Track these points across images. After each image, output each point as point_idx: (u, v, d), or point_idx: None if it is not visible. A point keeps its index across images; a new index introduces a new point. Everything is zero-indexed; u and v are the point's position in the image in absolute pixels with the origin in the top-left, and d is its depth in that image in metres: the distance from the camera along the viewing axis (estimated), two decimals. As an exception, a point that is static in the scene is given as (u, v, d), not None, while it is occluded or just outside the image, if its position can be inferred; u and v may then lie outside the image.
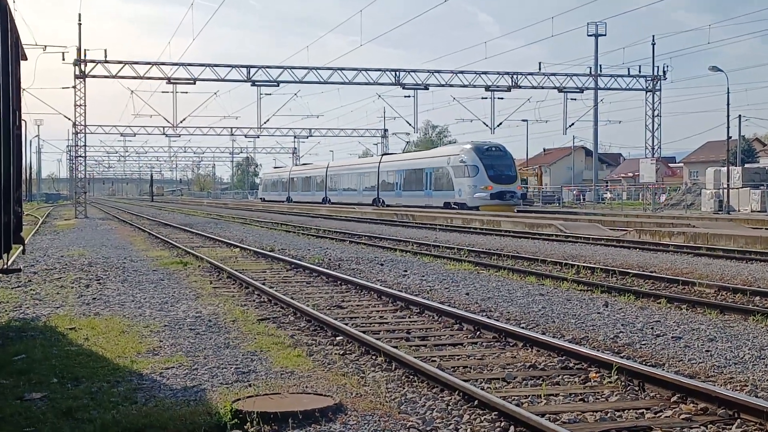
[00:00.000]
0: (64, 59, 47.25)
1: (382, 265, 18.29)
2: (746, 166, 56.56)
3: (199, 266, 18.22)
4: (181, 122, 57.60)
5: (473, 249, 21.77)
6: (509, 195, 46.91)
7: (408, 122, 63.54)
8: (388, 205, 58.07)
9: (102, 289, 14.39)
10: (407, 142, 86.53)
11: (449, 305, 11.88)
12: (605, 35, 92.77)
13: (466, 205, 47.38)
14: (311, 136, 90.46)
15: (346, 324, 10.29)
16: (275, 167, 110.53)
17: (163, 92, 53.89)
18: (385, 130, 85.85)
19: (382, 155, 67.66)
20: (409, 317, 11.19)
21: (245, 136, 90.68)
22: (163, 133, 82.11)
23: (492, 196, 46.52)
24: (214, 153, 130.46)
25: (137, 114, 67.41)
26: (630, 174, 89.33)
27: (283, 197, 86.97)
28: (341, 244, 25.01)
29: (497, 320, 10.57)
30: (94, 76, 48.28)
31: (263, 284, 14.31)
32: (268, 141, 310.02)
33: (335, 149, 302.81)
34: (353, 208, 52.86)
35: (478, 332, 9.86)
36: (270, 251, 22.07)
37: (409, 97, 58.10)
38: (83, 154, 53.02)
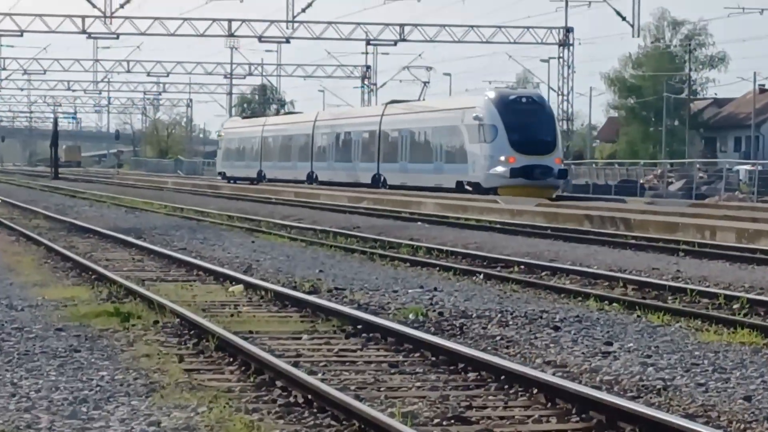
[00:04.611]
0: None
1: (556, 329, 18.26)
2: None
3: (157, 323, 18.44)
4: (122, 8, 58.49)
5: (760, 297, 21.51)
6: (540, 171, 59.08)
7: (620, 14, 62.97)
8: (391, 186, 67.95)
9: (-53, 369, 14.65)
10: (425, 83, 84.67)
11: (707, 423, 11.79)
12: None
13: (481, 185, 59.59)
14: (404, 40, 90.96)
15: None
16: (245, 116, 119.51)
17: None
18: (568, 31, 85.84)
19: (387, 104, 76.03)
20: (617, 449, 11.17)
21: (259, 39, 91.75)
22: (84, 32, 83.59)
23: (513, 172, 58.60)
24: (192, 77, 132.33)
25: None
26: None
27: (253, 172, 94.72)
28: (466, 281, 25.07)
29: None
30: None
31: (295, 365, 14.42)
32: (307, 52, 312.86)
33: (456, 72, 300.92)
34: (488, 205, 53.36)
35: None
36: (310, 292, 22.25)
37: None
38: None
